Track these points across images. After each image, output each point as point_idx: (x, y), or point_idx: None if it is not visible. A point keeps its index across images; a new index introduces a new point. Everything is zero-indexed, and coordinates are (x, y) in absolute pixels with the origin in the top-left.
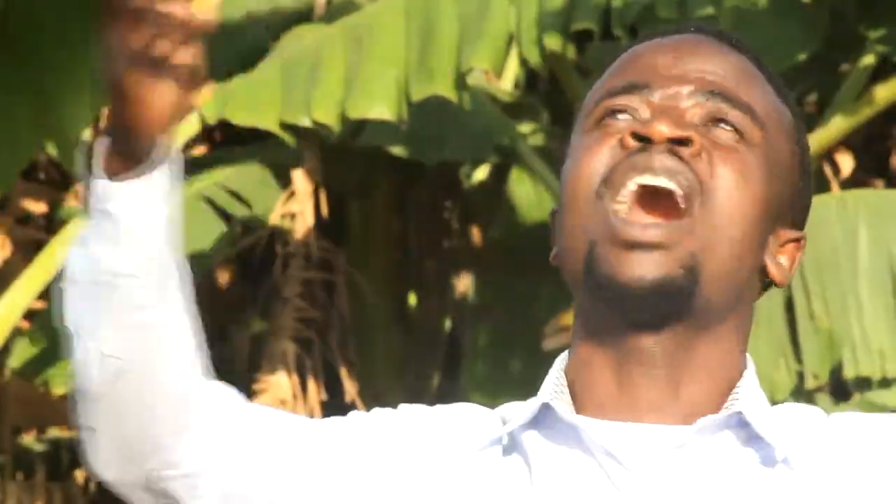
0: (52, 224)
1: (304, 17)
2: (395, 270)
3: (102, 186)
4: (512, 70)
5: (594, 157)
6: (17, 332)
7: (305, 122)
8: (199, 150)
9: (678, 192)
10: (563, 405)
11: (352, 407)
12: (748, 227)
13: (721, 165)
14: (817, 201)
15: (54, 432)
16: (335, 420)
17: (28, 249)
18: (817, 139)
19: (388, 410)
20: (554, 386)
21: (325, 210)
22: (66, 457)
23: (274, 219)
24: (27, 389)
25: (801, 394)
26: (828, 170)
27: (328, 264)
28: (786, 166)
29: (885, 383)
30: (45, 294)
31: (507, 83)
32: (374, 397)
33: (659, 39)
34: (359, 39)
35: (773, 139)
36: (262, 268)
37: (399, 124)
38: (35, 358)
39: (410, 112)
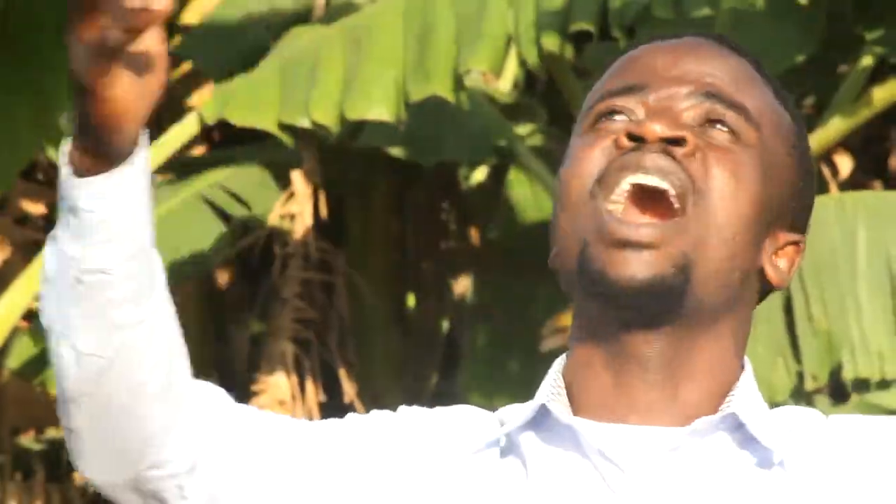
0: (52, 224)
1: (302, 17)
2: (393, 271)
3: (69, 182)
4: (510, 71)
5: (589, 158)
6: (15, 333)
7: (304, 122)
8: (198, 151)
9: (671, 191)
10: (559, 407)
11: (350, 408)
12: (742, 227)
13: (715, 166)
14: (815, 203)
15: (53, 433)
16: (331, 422)
17: (27, 250)
18: (815, 141)
19: (386, 413)
20: (551, 388)
21: (323, 211)
22: (64, 457)
23: (273, 219)
24: (26, 390)
25: (801, 395)
26: (826, 171)
27: (327, 265)
28: (782, 168)
29: (883, 385)
30: None
31: (505, 84)
32: (372, 398)
33: (657, 42)
34: (357, 40)
35: (769, 141)
36: (261, 268)
37: (397, 125)
38: (34, 358)
39: (409, 113)
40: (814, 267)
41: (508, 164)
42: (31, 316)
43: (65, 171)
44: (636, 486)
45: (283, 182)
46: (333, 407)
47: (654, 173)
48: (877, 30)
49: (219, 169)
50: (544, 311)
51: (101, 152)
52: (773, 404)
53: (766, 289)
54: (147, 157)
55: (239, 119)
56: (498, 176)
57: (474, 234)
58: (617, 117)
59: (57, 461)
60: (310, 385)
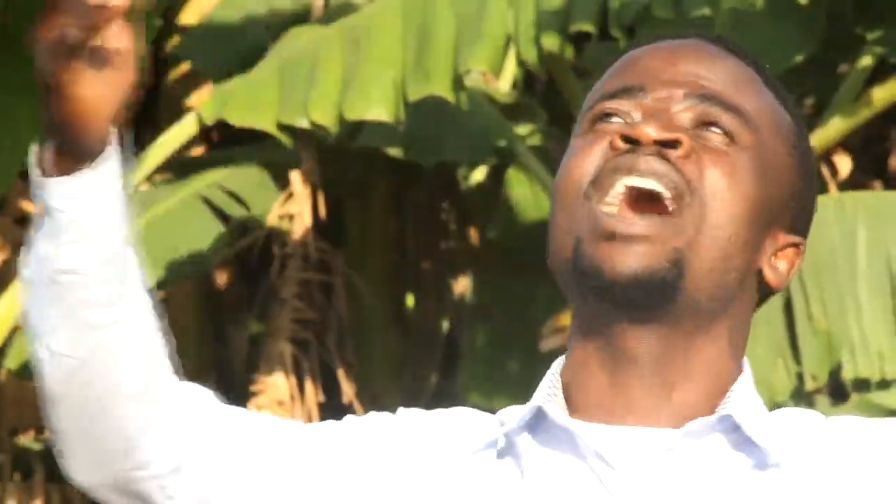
0: None
1: (301, 18)
2: (392, 271)
3: (40, 183)
4: (509, 71)
5: (584, 159)
6: (15, 333)
7: (303, 123)
8: (197, 151)
9: (665, 193)
10: (555, 408)
11: (349, 408)
12: (737, 228)
13: (710, 167)
14: None
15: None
16: (328, 424)
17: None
18: (815, 141)
19: (384, 414)
20: (548, 388)
21: (322, 211)
22: None
23: (271, 220)
24: (25, 390)
25: (801, 395)
26: (826, 171)
27: (326, 265)
28: (781, 169)
29: (883, 385)
30: None
31: (504, 84)
32: (371, 398)
33: (657, 44)
34: (356, 41)
35: (766, 142)
36: (260, 269)
37: (396, 125)
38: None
39: (408, 113)
40: (814, 267)
41: (508, 164)
42: None
43: (35, 171)
44: (632, 487)
45: (282, 182)
46: (332, 407)
47: (648, 176)
48: (877, 30)
49: (217, 169)
50: (544, 311)
51: (69, 152)
52: (774, 405)
53: (765, 291)
54: (119, 157)
55: (238, 119)
56: (497, 176)
57: (474, 234)
58: (613, 119)
59: (56, 461)
60: (309, 385)
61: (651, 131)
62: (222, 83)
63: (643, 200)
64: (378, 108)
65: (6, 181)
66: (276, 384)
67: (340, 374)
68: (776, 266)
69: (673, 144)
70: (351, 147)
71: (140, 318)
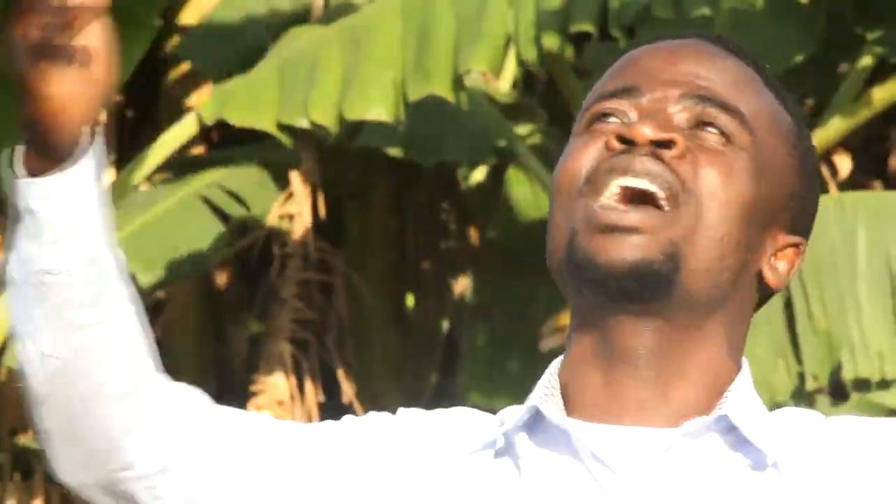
0: None
1: (301, 18)
2: (392, 271)
3: (19, 184)
4: (509, 71)
5: (579, 159)
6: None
7: (303, 123)
8: (197, 151)
9: (660, 193)
10: (552, 408)
11: (349, 408)
12: (732, 227)
13: (705, 168)
14: None
15: None
16: (326, 424)
17: None
18: (815, 141)
19: (384, 414)
20: (545, 388)
21: (322, 211)
22: None
23: (271, 220)
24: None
25: (802, 395)
26: (826, 171)
27: (326, 265)
28: (779, 170)
29: (884, 385)
30: None
31: (504, 84)
32: (371, 399)
33: (656, 44)
34: (356, 41)
35: (763, 143)
36: (260, 269)
37: (396, 125)
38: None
39: (408, 113)
40: (814, 267)
41: (508, 164)
42: None
43: (8, 172)
44: (628, 487)
45: (282, 182)
46: (332, 407)
47: (643, 176)
48: (877, 30)
49: (217, 169)
50: (544, 311)
51: (44, 152)
52: (774, 405)
53: (765, 291)
54: (98, 158)
55: (238, 119)
56: (497, 176)
57: (474, 234)
58: (611, 119)
59: None
60: (308, 385)
61: (646, 131)
62: (222, 83)
63: (637, 201)
64: (378, 108)
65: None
66: (276, 384)
67: (340, 374)
68: (776, 266)
69: (668, 145)
70: (351, 147)
71: (124, 319)
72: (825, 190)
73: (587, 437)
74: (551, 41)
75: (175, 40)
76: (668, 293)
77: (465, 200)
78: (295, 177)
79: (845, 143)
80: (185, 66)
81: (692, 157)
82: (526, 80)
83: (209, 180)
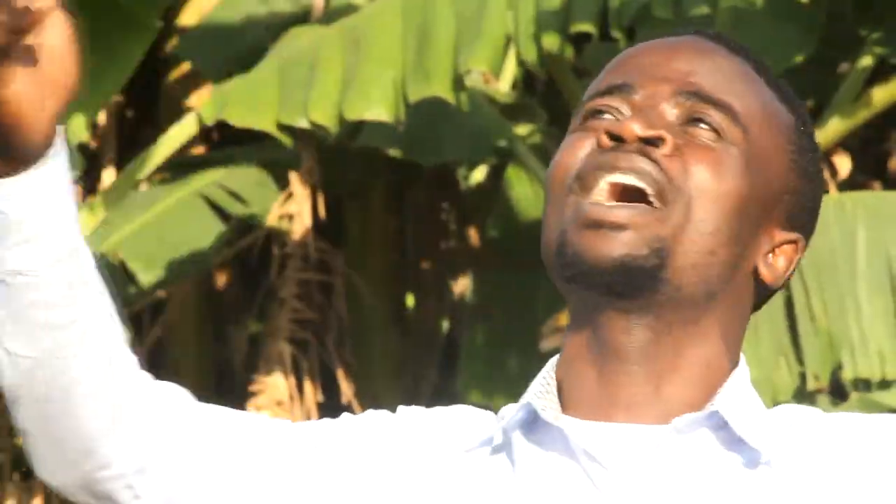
0: None
1: (301, 19)
2: (392, 271)
3: None
4: (509, 71)
5: (571, 155)
6: None
7: (303, 123)
8: (197, 151)
9: (648, 190)
10: (546, 406)
11: (349, 408)
12: (722, 222)
13: (694, 164)
14: None
15: None
16: (323, 422)
17: None
18: None
19: (383, 412)
20: (540, 385)
21: (322, 211)
22: None
23: (271, 220)
24: None
25: (803, 395)
26: (826, 172)
27: (325, 265)
28: (773, 166)
29: (884, 384)
30: None
31: (504, 84)
32: (371, 399)
33: (654, 41)
34: (356, 41)
35: (757, 139)
36: (260, 269)
37: (396, 125)
38: None
39: (407, 113)
40: (813, 267)
41: (508, 164)
42: None
43: None
44: (621, 484)
45: (282, 182)
46: (332, 407)
47: (630, 173)
48: (877, 30)
49: (217, 169)
50: (544, 311)
51: (8, 154)
52: (776, 404)
53: (762, 288)
54: (64, 157)
55: (237, 119)
56: (497, 176)
57: (473, 234)
58: (605, 116)
59: None
60: (308, 386)
61: (635, 128)
62: (222, 83)
63: (626, 197)
64: (378, 108)
65: None
66: (276, 384)
67: (340, 374)
68: (772, 263)
69: (656, 142)
70: (351, 147)
71: (96, 318)
72: (825, 190)
73: (580, 435)
74: (551, 41)
75: (175, 41)
76: (654, 289)
77: (465, 200)
78: (295, 177)
79: (845, 144)
80: (185, 67)
81: (681, 153)
82: (526, 80)
83: (209, 180)
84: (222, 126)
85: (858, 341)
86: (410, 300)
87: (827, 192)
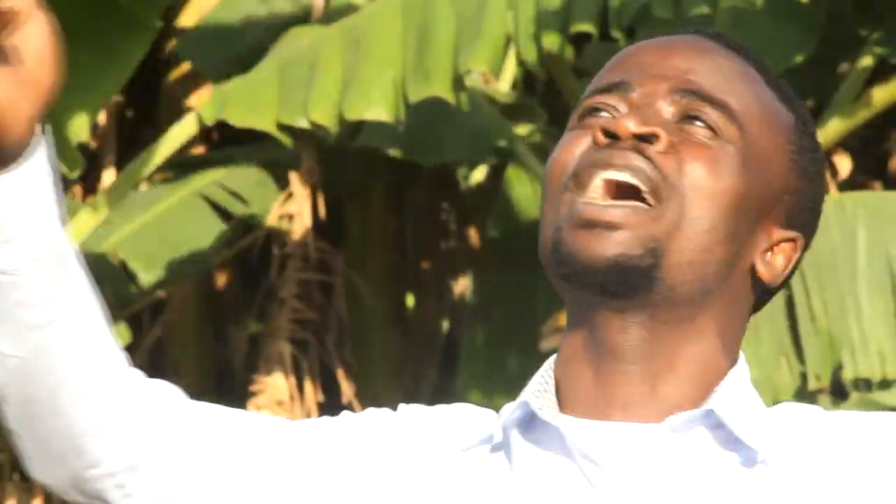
0: None
1: (301, 19)
2: (392, 271)
3: None
4: (509, 71)
5: (567, 153)
6: None
7: (303, 123)
8: (197, 151)
9: (642, 187)
10: (543, 405)
11: (349, 409)
12: (717, 219)
13: (689, 161)
14: None
15: None
16: (322, 420)
17: None
18: None
19: (383, 410)
20: (538, 385)
21: (322, 211)
22: None
23: (271, 220)
24: None
25: (804, 395)
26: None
27: (325, 265)
28: (771, 164)
29: (885, 384)
30: None
31: (504, 84)
32: (371, 398)
33: (654, 40)
34: (356, 41)
35: (756, 139)
36: (260, 269)
37: (396, 126)
38: None
39: (408, 113)
40: (814, 267)
41: (508, 164)
42: None
43: None
44: (617, 483)
45: (282, 182)
46: (332, 407)
47: (623, 170)
48: (877, 30)
49: (217, 169)
50: (543, 311)
51: None
52: (777, 404)
53: (761, 287)
54: (45, 159)
55: (237, 120)
56: (497, 176)
57: (473, 234)
58: (602, 113)
59: None
60: (308, 386)
61: (629, 125)
62: (222, 83)
63: (621, 195)
64: (378, 108)
65: None
66: (276, 384)
67: (340, 374)
68: (770, 261)
69: (650, 139)
70: (351, 147)
71: (82, 317)
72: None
73: (576, 434)
74: (551, 41)
75: (175, 41)
76: (649, 288)
77: (465, 200)
78: (295, 177)
79: (845, 144)
80: (185, 67)
81: (676, 151)
82: (526, 80)
83: (209, 180)
84: (222, 126)
85: (859, 341)
86: (410, 300)
87: (827, 192)
